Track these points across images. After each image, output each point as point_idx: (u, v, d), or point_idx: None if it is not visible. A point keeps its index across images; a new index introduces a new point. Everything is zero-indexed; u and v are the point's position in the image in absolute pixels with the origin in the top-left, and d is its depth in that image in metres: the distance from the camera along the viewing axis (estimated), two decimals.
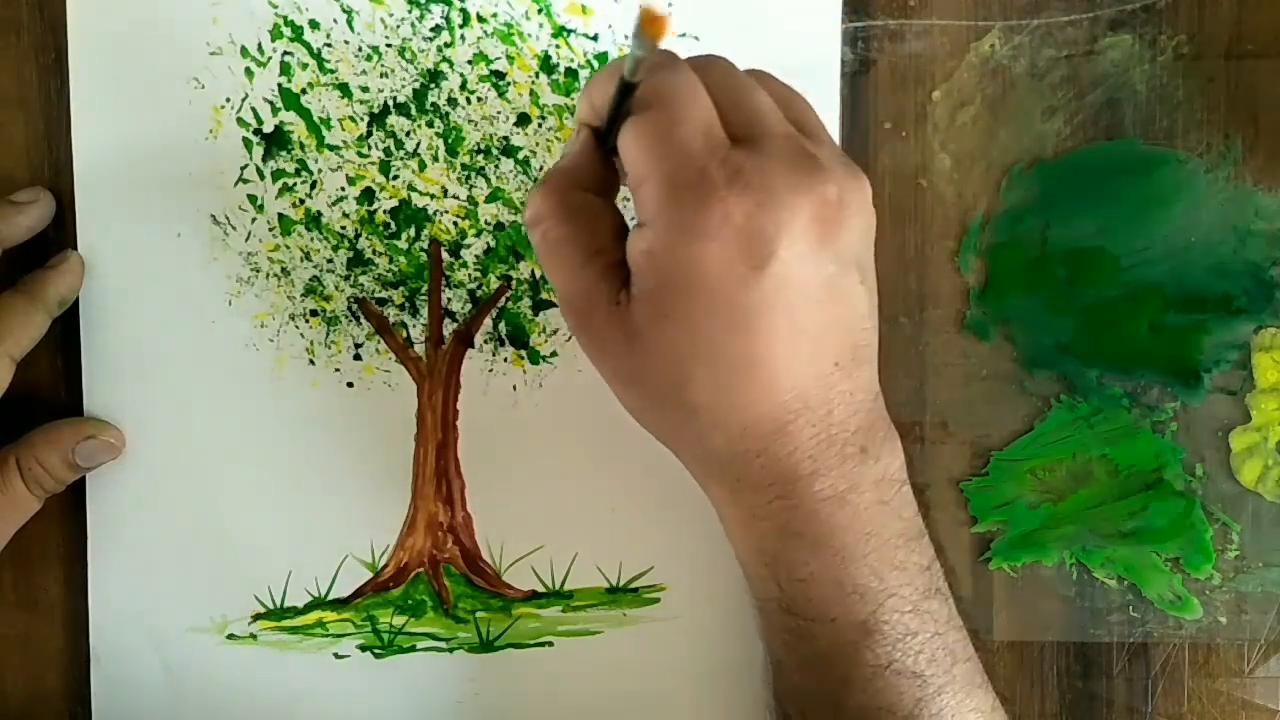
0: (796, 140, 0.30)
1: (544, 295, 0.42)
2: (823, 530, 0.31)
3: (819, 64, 0.41)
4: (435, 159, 0.41)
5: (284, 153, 0.41)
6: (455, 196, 0.41)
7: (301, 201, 0.41)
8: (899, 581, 0.32)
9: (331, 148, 0.41)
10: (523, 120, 0.41)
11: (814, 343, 0.30)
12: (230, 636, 0.42)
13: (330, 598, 0.42)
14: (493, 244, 0.41)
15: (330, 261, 0.41)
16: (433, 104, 0.41)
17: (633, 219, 0.31)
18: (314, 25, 0.41)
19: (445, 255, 0.41)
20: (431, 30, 0.41)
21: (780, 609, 0.33)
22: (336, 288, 0.41)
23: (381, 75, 0.41)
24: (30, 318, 0.39)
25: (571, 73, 0.41)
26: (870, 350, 0.32)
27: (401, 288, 0.42)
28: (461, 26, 0.41)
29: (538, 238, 0.32)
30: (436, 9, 0.41)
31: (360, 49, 0.41)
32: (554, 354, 0.42)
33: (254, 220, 0.41)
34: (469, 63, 0.41)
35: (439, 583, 0.42)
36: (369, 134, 0.41)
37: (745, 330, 0.29)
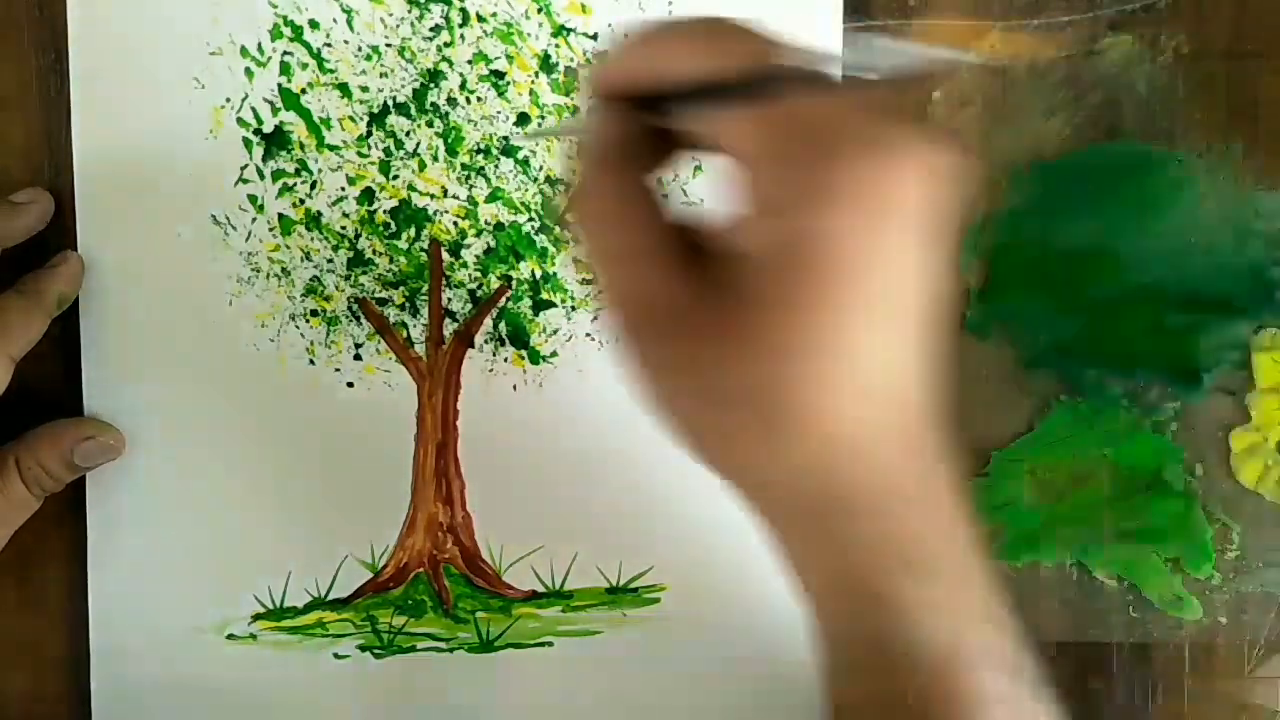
0: (895, 102, 0.27)
1: (544, 295, 0.42)
2: (921, 548, 0.28)
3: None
4: (435, 159, 0.41)
5: (284, 153, 0.41)
6: (455, 196, 0.41)
7: (301, 201, 0.41)
8: (980, 603, 0.30)
9: (331, 148, 0.41)
10: (522, 120, 0.41)
11: (917, 333, 0.26)
12: (230, 636, 0.42)
13: (330, 598, 0.42)
14: (493, 244, 0.41)
15: (330, 261, 0.41)
16: (432, 104, 0.41)
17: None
18: (314, 25, 0.41)
19: (445, 255, 0.41)
20: (431, 30, 0.41)
21: (865, 642, 0.29)
22: (337, 288, 0.41)
23: (381, 75, 0.41)
24: (30, 318, 0.39)
25: (571, 72, 0.41)
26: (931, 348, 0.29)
27: (402, 288, 0.42)
28: (461, 26, 0.41)
29: (591, 222, 0.27)
30: (436, 9, 0.41)
31: (360, 49, 0.41)
32: (554, 354, 0.42)
33: (254, 220, 0.41)
34: (469, 62, 0.41)
35: (439, 583, 0.42)
36: (369, 134, 0.41)
37: (867, 312, 0.25)
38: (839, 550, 0.28)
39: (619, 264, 0.27)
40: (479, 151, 0.41)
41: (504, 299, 0.42)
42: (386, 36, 0.41)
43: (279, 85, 0.41)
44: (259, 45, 0.41)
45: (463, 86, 0.41)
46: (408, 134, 0.41)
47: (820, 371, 0.25)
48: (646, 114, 0.27)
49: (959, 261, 0.28)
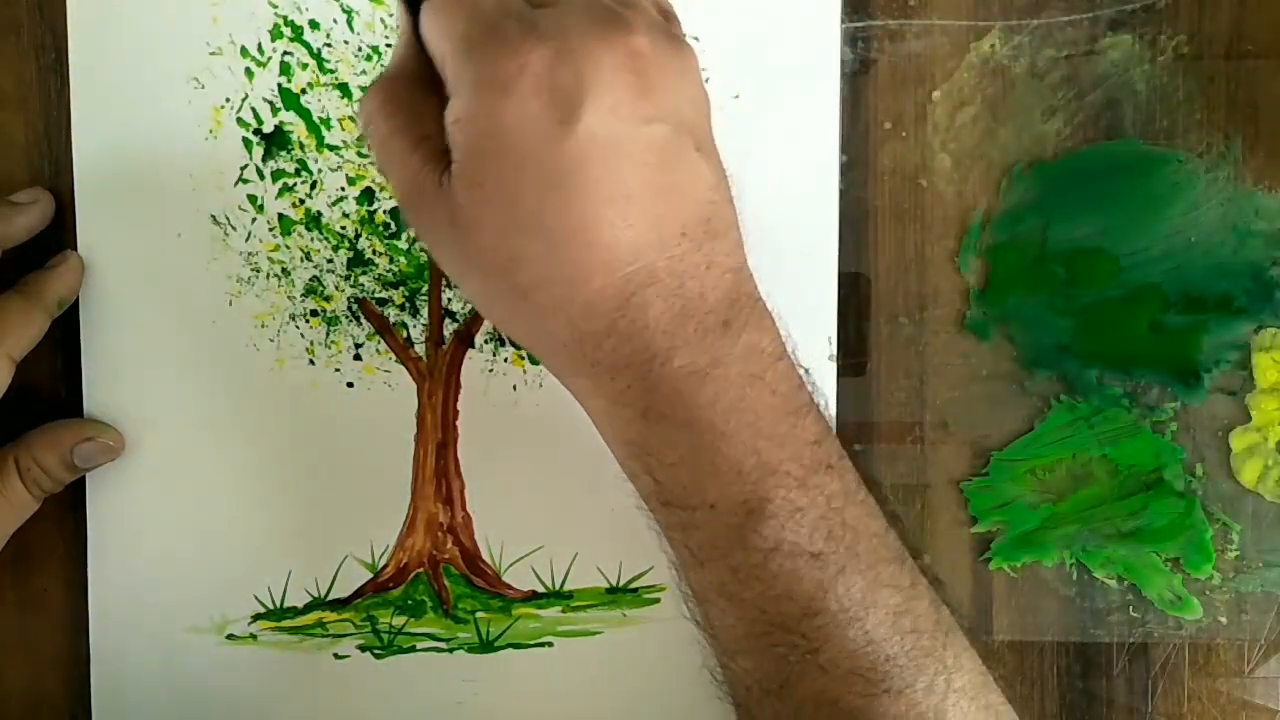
0: (601, 2, 0.29)
1: None
2: (687, 409, 0.30)
3: (819, 64, 0.41)
4: None
5: (284, 153, 0.41)
6: None
7: (301, 201, 0.41)
8: (779, 457, 0.30)
9: (331, 148, 0.41)
10: None
11: (647, 209, 0.28)
12: (230, 636, 0.42)
13: (330, 598, 0.42)
14: None
15: (330, 261, 0.41)
16: None
17: None
18: (314, 25, 0.41)
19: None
20: None
21: (660, 503, 0.31)
22: (337, 288, 0.41)
23: None
24: (30, 318, 0.39)
25: None
26: (725, 223, 0.30)
27: (402, 288, 0.42)
28: None
29: (370, 138, 0.31)
30: None
31: (360, 49, 0.41)
32: None
33: (254, 220, 0.41)
34: None
35: (439, 583, 0.42)
36: None
37: (563, 191, 0.28)
38: (611, 407, 0.31)
39: (385, 159, 0.30)
40: None
41: None
42: (386, 36, 0.41)
43: (279, 85, 0.41)
44: (259, 45, 0.41)
45: None
46: None
47: (540, 249, 0.28)
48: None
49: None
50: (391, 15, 0.41)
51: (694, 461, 0.30)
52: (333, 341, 0.41)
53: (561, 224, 0.28)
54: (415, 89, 0.31)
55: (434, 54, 0.29)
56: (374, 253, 0.41)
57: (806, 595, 0.30)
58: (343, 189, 0.41)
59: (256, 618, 0.42)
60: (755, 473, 0.30)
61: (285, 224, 0.41)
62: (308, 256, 0.41)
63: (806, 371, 0.32)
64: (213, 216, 0.41)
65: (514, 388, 0.42)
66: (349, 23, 0.41)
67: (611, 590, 0.42)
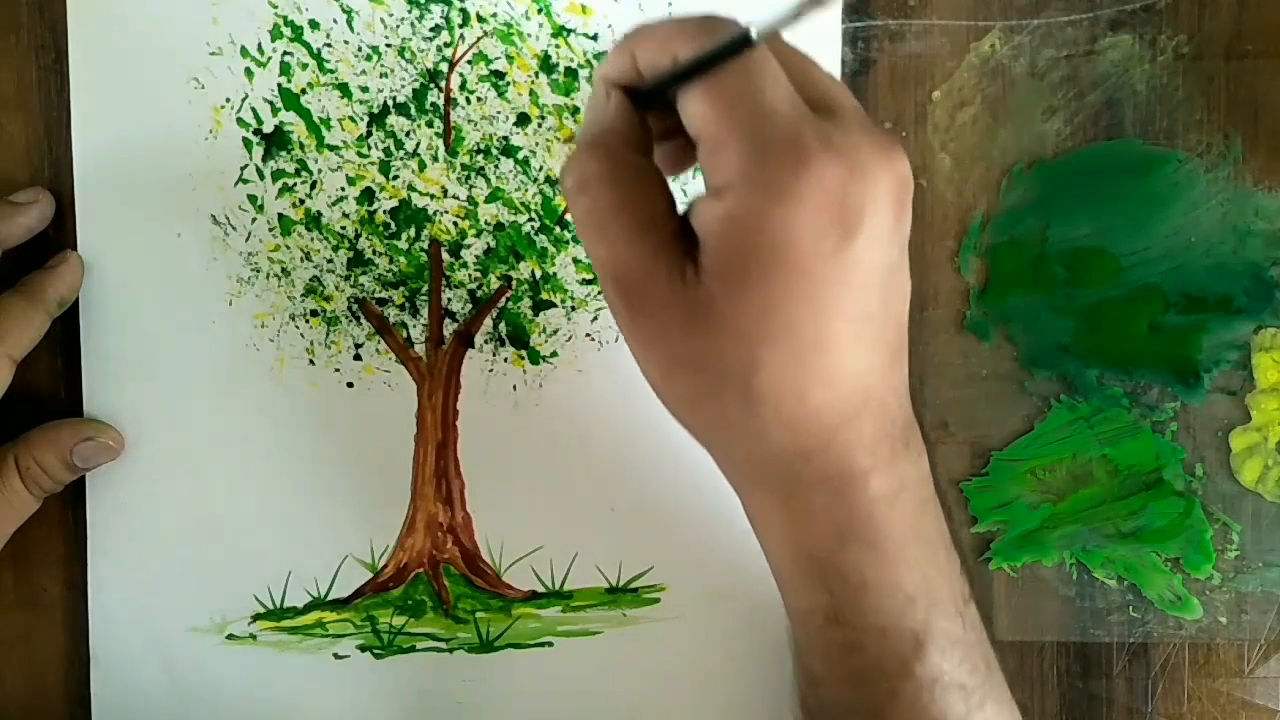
0: (866, 116, 0.29)
1: (544, 295, 0.42)
2: (879, 532, 0.30)
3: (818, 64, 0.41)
4: (435, 159, 0.41)
5: (284, 153, 0.41)
6: (455, 196, 0.41)
7: (301, 201, 0.41)
8: (944, 587, 0.31)
9: (331, 148, 0.41)
10: (522, 120, 0.41)
11: (877, 330, 0.29)
12: (230, 636, 0.42)
13: (330, 598, 0.42)
14: (493, 244, 0.41)
15: (330, 262, 0.41)
16: (432, 104, 0.41)
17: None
18: (314, 25, 0.41)
19: (445, 255, 0.41)
20: (431, 30, 0.41)
21: (827, 619, 0.31)
22: (337, 288, 0.41)
23: (381, 75, 0.41)
24: (30, 318, 0.39)
25: (571, 72, 0.41)
26: (906, 343, 0.31)
27: (402, 288, 0.42)
28: (461, 26, 0.41)
29: (586, 205, 0.29)
30: (436, 9, 0.41)
31: (360, 49, 0.41)
32: (554, 354, 0.42)
33: (254, 220, 0.41)
34: (469, 63, 0.41)
35: (439, 583, 0.42)
36: (369, 134, 0.41)
37: (822, 308, 0.27)
38: (801, 523, 0.31)
39: (606, 236, 0.29)
40: (479, 151, 0.41)
41: (504, 299, 0.42)
42: (386, 36, 0.41)
43: (279, 85, 0.41)
44: (259, 45, 0.41)
45: (463, 87, 0.41)
46: (408, 134, 0.41)
47: (784, 358, 0.28)
48: (644, 105, 0.30)
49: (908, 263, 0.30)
50: (391, 15, 0.41)
51: (876, 584, 0.30)
52: (333, 341, 0.41)
53: (809, 336, 0.28)
54: (640, 161, 0.29)
55: (701, 136, 0.28)
56: (374, 253, 0.41)
57: None
58: (343, 189, 0.41)
59: (256, 618, 0.42)
60: (924, 601, 0.31)
61: (285, 224, 0.41)
62: (308, 256, 0.41)
63: None
64: (213, 216, 0.41)
65: (514, 388, 0.42)
66: (349, 23, 0.41)
67: (611, 590, 0.42)
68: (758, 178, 0.27)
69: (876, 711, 0.32)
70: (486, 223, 0.41)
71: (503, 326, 0.42)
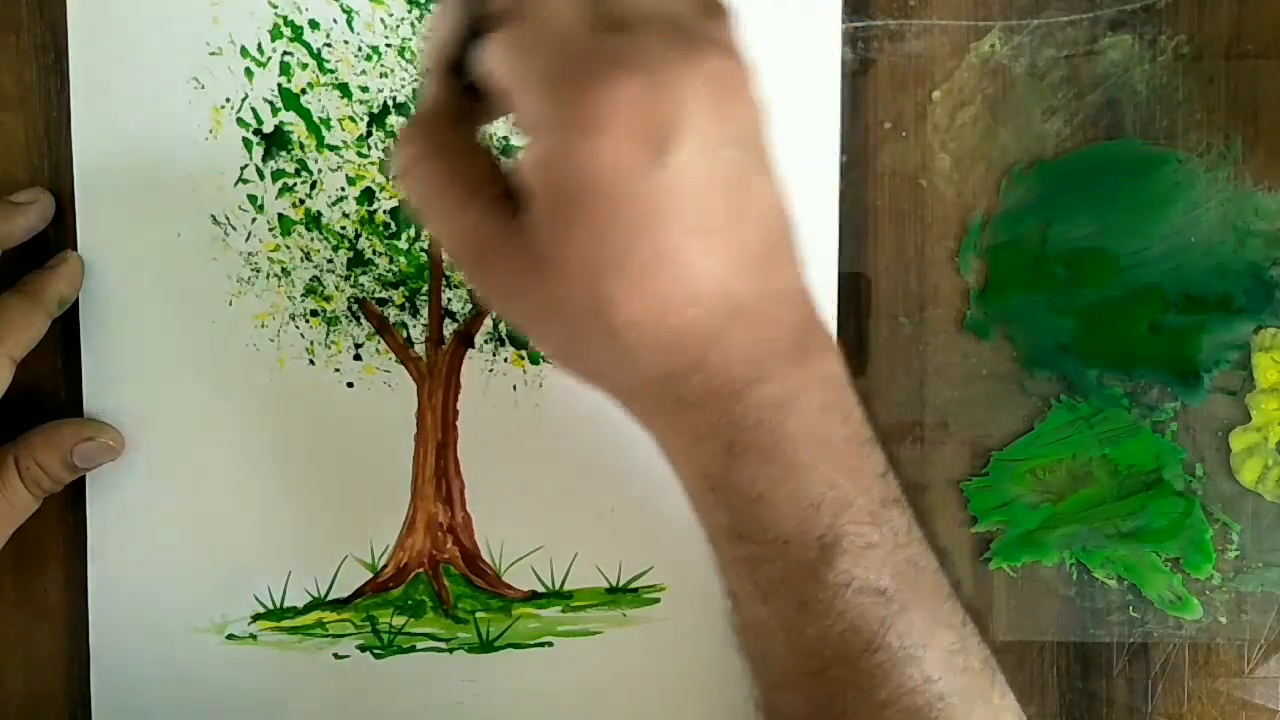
0: (674, 18, 0.28)
1: None
2: (771, 441, 0.29)
3: (819, 64, 0.41)
4: None
5: (284, 153, 0.41)
6: None
7: (301, 201, 0.41)
8: (854, 490, 0.30)
9: (331, 148, 0.41)
10: None
11: (729, 237, 0.28)
12: (230, 636, 0.42)
13: (330, 598, 0.42)
14: None
15: (330, 262, 0.41)
16: None
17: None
18: (314, 25, 0.41)
19: (445, 255, 0.41)
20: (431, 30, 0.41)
21: (731, 537, 0.31)
22: (337, 288, 0.41)
23: (381, 75, 0.41)
24: (30, 318, 0.39)
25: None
26: (793, 245, 0.30)
27: (402, 288, 0.42)
28: None
29: (414, 184, 0.29)
30: (436, 9, 0.41)
31: (360, 49, 0.41)
32: None
33: (254, 220, 0.41)
34: None
35: (439, 583, 0.42)
36: (369, 134, 0.41)
37: (654, 227, 0.27)
38: (692, 442, 0.30)
39: (436, 211, 0.29)
40: None
41: None
42: (387, 37, 0.41)
43: (279, 85, 0.41)
44: (259, 45, 0.41)
45: None
46: None
47: (629, 286, 0.27)
48: (459, 76, 0.30)
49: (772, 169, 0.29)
50: (391, 15, 0.41)
51: (773, 496, 0.30)
52: (333, 341, 0.41)
53: (650, 257, 0.27)
54: (458, 130, 0.30)
55: (502, 89, 0.28)
56: (374, 253, 0.41)
57: (870, 631, 0.30)
58: (343, 189, 0.41)
59: (256, 618, 0.42)
60: (832, 506, 0.30)
61: (285, 224, 0.41)
62: (308, 256, 0.41)
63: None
64: (213, 216, 0.41)
65: (514, 388, 0.42)
66: (349, 23, 0.41)
67: (611, 590, 0.42)
68: (555, 116, 0.26)
69: (789, 624, 0.31)
70: None
71: (503, 326, 0.42)
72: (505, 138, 0.41)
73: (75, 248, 0.41)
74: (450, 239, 0.29)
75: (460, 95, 0.30)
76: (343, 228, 0.41)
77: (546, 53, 0.27)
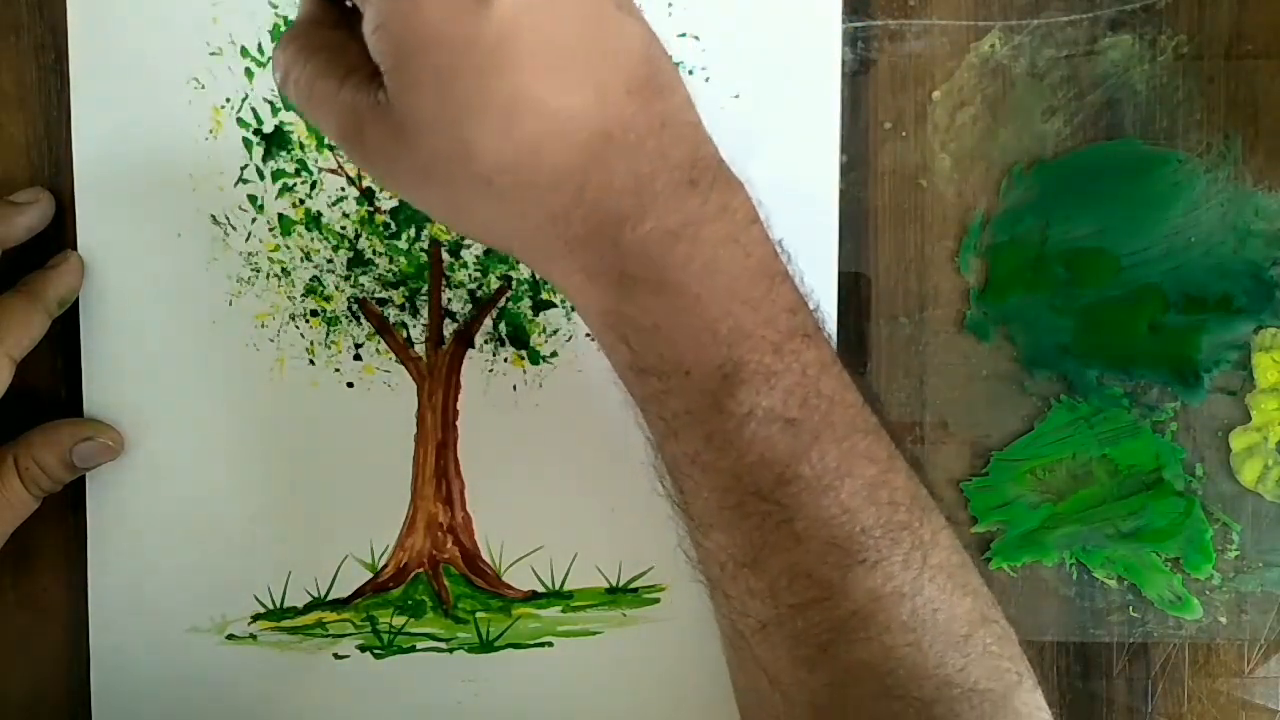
0: None
1: (544, 295, 0.42)
2: (661, 271, 0.29)
3: (819, 64, 0.41)
4: None
5: (284, 153, 0.41)
6: None
7: (301, 201, 0.41)
8: (755, 321, 0.30)
9: (332, 148, 0.41)
10: None
11: (587, 72, 0.28)
12: (230, 636, 0.42)
13: (330, 598, 0.42)
14: None
15: (330, 262, 0.41)
16: None
17: None
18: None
19: (445, 255, 0.41)
20: None
21: (635, 372, 0.31)
22: (337, 288, 0.41)
23: None
24: (30, 318, 0.39)
25: None
26: (669, 80, 0.30)
27: (401, 288, 0.42)
28: None
29: (291, 88, 0.30)
30: None
31: None
32: (554, 354, 0.42)
33: (254, 220, 0.41)
34: None
35: (439, 583, 0.42)
36: None
37: (502, 69, 0.27)
38: (585, 280, 0.30)
39: (315, 103, 0.30)
40: None
41: (504, 299, 0.42)
42: None
43: None
44: (259, 45, 0.41)
45: None
46: None
47: (488, 132, 0.28)
48: None
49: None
50: None
51: (669, 326, 0.30)
52: (333, 341, 0.41)
53: (505, 101, 0.27)
54: (328, 29, 0.30)
55: None
56: (374, 253, 0.41)
57: (780, 463, 0.30)
58: (343, 189, 0.41)
59: (256, 618, 0.42)
60: (730, 336, 0.29)
61: (285, 224, 0.41)
62: (308, 256, 0.41)
63: (780, 242, 0.32)
64: (213, 216, 0.41)
65: (514, 388, 0.42)
66: None
67: (611, 590, 0.42)
68: None
69: (701, 459, 0.31)
70: None
71: (503, 326, 0.42)
72: None
73: (75, 248, 0.41)
74: (330, 127, 0.30)
75: (327, 3, 0.31)
76: (343, 228, 0.41)
77: None
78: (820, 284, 0.41)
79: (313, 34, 0.30)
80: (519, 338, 0.42)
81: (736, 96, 0.41)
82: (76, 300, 0.41)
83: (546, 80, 0.27)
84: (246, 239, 0.41)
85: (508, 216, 0.29)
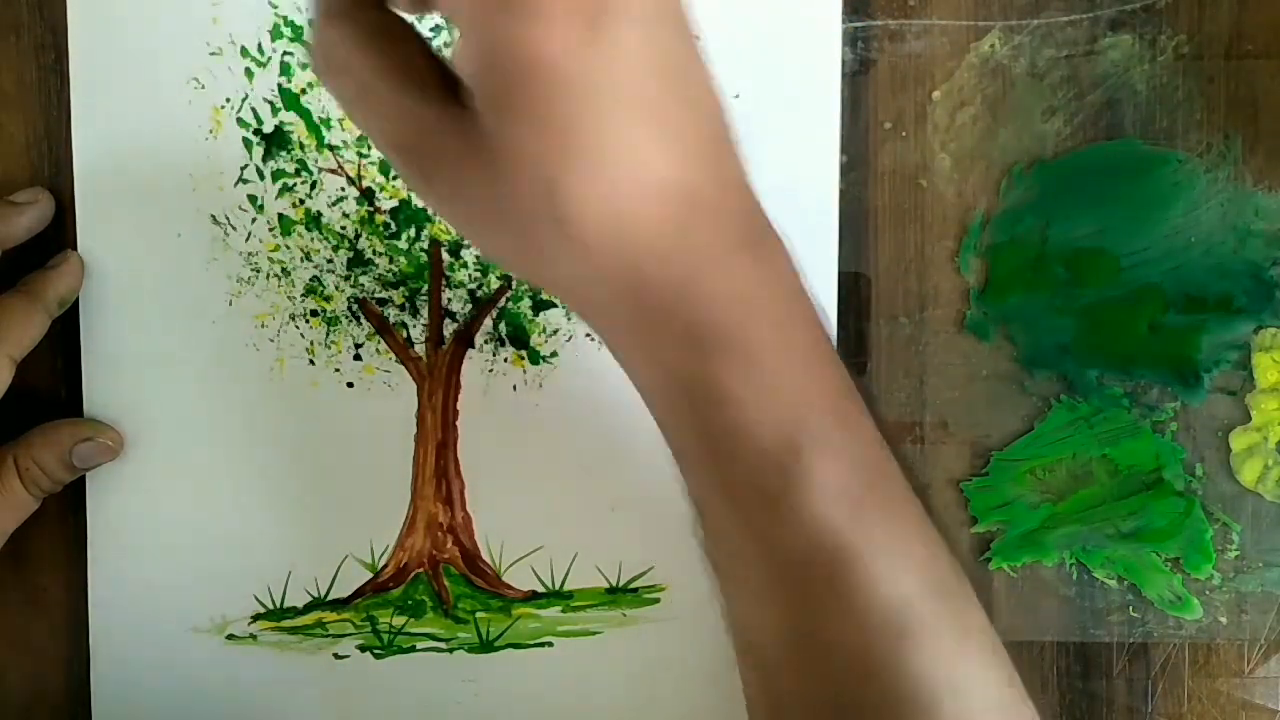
0: None
1: (544, 295, 0.42)
2: (734, 336, 0.28)
3: (819, 64, 0.41)
4: None
5: (284, 153, 0.41)
6: None
7: (301, 201, 0.41)
8: (819, 393, 0.29)
9: (331, 148, 0.41)
10: None
11: (678, 124, 0.27)
12: (230, 636, 0.42)
13: (330, 598, 0.42)
14: None
15: (330, 262, 0.41)
16: None
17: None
18: (314, 25, 0.41)
19: (445, 255, 0.41)
20: (431, 30, 0.41)
21: (699, 438, 0.29)
22: (337, 288, 0.41)
23: None
24: (30, 318, 0.39)
25: None
26: (732, 136, 0.29)
27: (402, 288, 0.42)
28: None
29: (342, 81, 0.27)
30: None
31: None
32: (554, 354, 0.42)
33: (254, 220, 0.41)
34: None
35: (439, 583, 0.42)
36: None
37: (600, 111, 0.25)
38: (651, 343, 0.29)
39: (365, 106, 0.27)
40: None
41: (504, 299, 0.42)
42: None
43: (279, 85, 0.41)
44: (259, 45, 0.41)
45: None
46: None
47: (575, 171, 0.26)
48: None
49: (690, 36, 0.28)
50: None
51: (741, 393, 0.28)
52: (333, 341, 0.41)
53: (601, 146, 0.26)
54: (382, 14, 0.27)
55: None
56: (374, 253, 0.41)
57: (841, 539, 0.29)
58: (343, 189, 0.41)
59: (256, 618, 0.42)
60: (798, 409, 0.29)
61: (285, 224, 0.41)
62: (308, 256, 0.41)
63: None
64: (213, 216, 0.41)
65: (514, 388, 0.42)
66: None
67: (611, 590, 0.42)
68: (486, 2, 0.25)
69: (759, 531, 0.30)
70: None
71: (503, 326, 0.42)
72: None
73: (75, 248, 0.41)
74: (390, 137, 0.27)
75: None
76: (343, 228, 0.41)
77: None
78: (820, 284, 0.41)
79: (373, 20, 0.27)
80: (519, 338, 0.42)
81: (736, 96, 0.41)
82: (76, 300, 0.41)
83: (643, 128, 0.26)
84: (246, 239, 0.41)
85: (579, 265, 0.28)
